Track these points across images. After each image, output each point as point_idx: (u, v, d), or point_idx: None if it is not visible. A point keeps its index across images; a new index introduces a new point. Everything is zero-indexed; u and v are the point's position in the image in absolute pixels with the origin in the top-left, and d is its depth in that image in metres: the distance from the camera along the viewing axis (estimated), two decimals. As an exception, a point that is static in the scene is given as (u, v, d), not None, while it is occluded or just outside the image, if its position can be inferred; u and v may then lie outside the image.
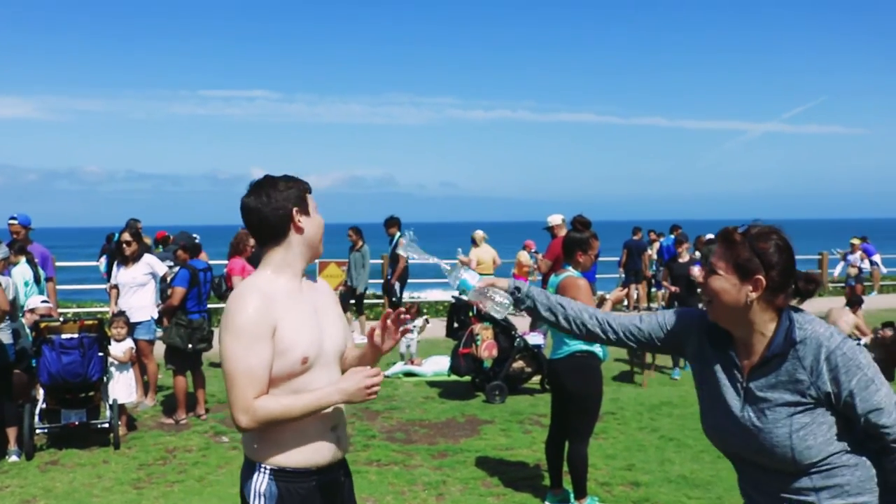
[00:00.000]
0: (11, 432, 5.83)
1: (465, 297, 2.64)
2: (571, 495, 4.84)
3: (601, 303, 4.99)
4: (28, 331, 6.39)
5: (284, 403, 2.14)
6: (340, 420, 2.33)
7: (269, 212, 2.21)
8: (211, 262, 8.52)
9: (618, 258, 15.38)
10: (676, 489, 5.15)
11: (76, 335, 6.03)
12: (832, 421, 1.92)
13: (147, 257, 7.52)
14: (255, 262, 8.22)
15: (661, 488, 5.16)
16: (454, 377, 8.25)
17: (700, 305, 2.60)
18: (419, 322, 9.45)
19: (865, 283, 17.20)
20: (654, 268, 15.23)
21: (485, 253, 12.23)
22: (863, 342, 8.10)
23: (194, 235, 8.33)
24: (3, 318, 5.61)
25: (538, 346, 8.08)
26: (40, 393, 6.23)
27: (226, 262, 8.05)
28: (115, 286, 7.45)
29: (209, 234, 10.63)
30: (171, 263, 8.26)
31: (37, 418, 6.04)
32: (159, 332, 7.66)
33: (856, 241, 16.10)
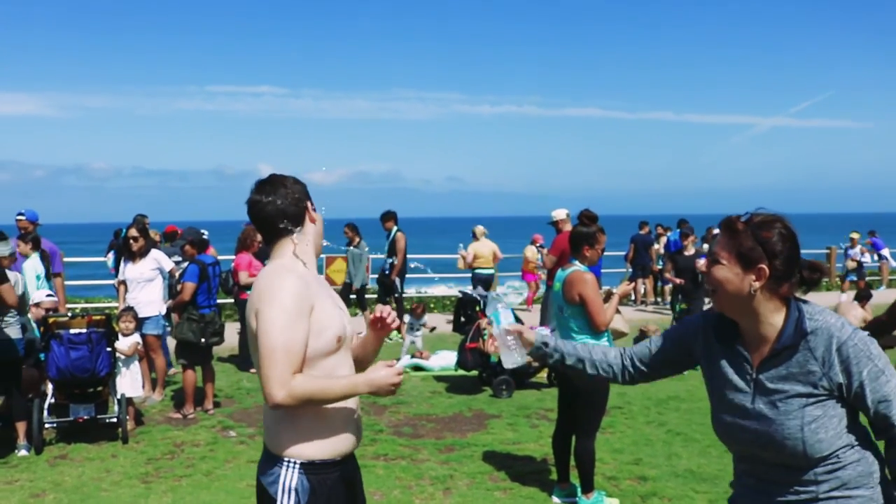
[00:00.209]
0: (21, 427, 5.87)
1: (489, 329, 2.83)
2: (578, 489, 4.84)
3: (608, 297, 4.98)
4: (34, 325, 6.41)
5: (321, 384, 2.15)
6: (358, 410, 2.36)
7: (289, 203, 2.28)
8: (218, 257, 8.52)
9: (625, 252, 15.37)
10: (684, 483, 5.14)
11: (84, 330, 6.06)
12: (842, 413, 1.91)
13: (154, 252, 7.52)
14: (262, 257, 8.25)
15: (669, 482, 5.16)
16: (461, 372, 8.26)
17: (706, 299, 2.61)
18: (426, 320, 9.46)
19: (875, 278, 17.11)
20: (661, 262, 15.19)
21: (484, 247, 12.26)
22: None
23: (202, 231, 8.34)
24: (9, 311, 5.64)
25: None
26: (49, 388, 6.27)
27: (233, 257, 8.04)
28: (123, 282, 7.45)
29: (215, 230, 10.64)
30: (179, 259, 8.27)
31: (46, 413, 6.08)
32: (168, 328, 7.68)
33: (855, 236, 16.02)
